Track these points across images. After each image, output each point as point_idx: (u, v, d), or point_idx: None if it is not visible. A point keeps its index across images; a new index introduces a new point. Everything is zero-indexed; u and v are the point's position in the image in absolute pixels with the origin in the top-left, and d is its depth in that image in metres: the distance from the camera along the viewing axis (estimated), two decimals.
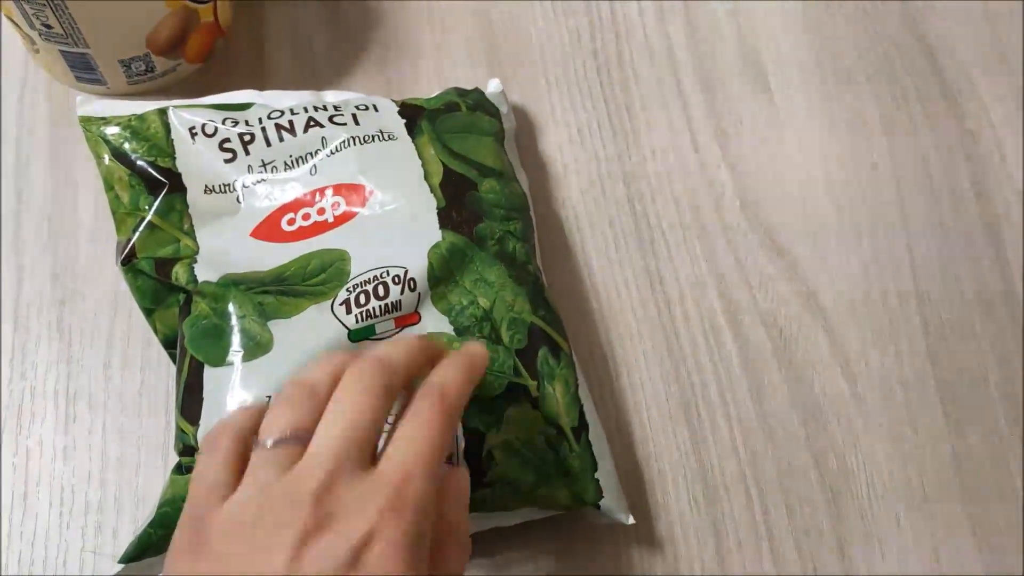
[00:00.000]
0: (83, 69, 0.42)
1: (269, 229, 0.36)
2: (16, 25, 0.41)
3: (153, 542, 0.32)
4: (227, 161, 0.37)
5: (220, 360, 0.33)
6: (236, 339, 0.34)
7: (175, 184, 0.36)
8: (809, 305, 0.42)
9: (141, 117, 0.38)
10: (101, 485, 0.37)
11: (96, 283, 0.40)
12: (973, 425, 0.40)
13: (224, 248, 0.36)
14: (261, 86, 0.45)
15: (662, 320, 0.41)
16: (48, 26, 0.40)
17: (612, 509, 0.35)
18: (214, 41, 0.45)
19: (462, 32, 0.47)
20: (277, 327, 0.34)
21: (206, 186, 0.37)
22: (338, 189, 0.37)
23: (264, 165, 0.37)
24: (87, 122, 0.38)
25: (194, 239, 0.36)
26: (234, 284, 0.34)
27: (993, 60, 0.48)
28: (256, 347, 0.33)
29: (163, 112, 0.38)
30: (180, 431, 0.34)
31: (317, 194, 0.37)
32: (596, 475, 0.35)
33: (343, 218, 0.36)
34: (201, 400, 0.33)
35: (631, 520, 0.36)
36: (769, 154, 0.45)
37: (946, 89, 0.47)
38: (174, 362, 0.35)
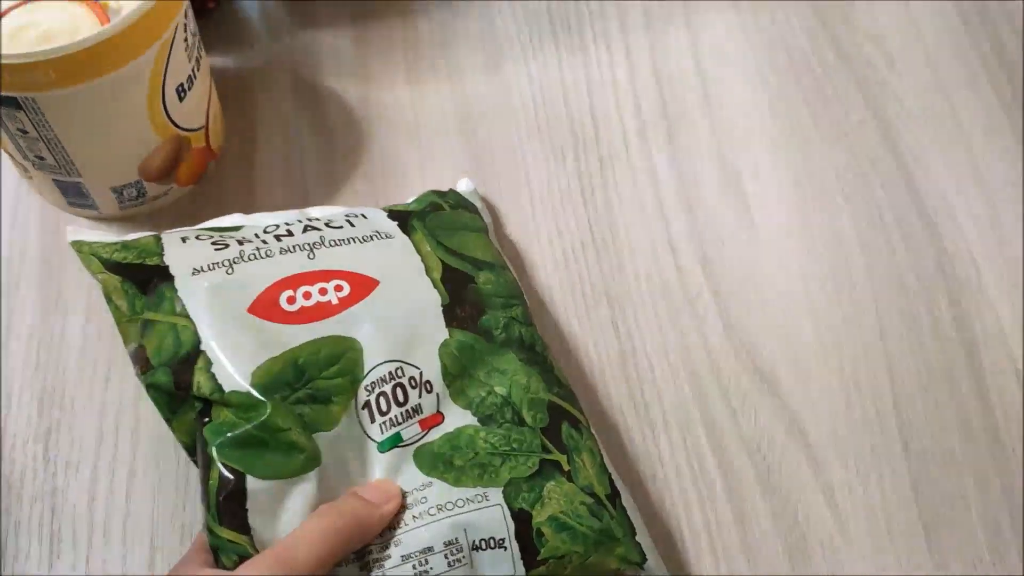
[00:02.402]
0: (75, 195, 0.43)
1: (268, 307, 0.35)
2: (10, 154, 0.42)
3: None
4: (218, 250, 0.36)
5: (269, 473, 0.33)
6: (284, 451, 0.33)
7: (163, 275, 0.35)
8: (792, 431, 0.42)
9: (135, 239, 0.37)
10: None
11: (83, 411, 0.41)
12: (956, 554, 0.40)
13: (223, 332, 0.34)
14: (253, 205, 0.46)
15: (647, 446, 0.42)
16: (41, 157, 0.41)
17: (654, 568, 0.37)
18: (206, 164, 0.46)
19: (448, 151, 0.48)
20: (321, 439, 0.34)
21: (194, 268, 0.35)
22: (340, 274, 0.36)
23: (258, 251, 0.37)
24: (78, 244, 0.37)
25: (189, 319, 0.34)
26: (267, 391, 0.33)
27: (968, 179, 0.49)
28: (307, 461, 0.33)
29: (156, 237, 0.38)
30: (228, 541, 0.32)
31: (318, 276, 0.36)
32: (637, 538, 0.37)
33: (348, 302, 0.36)
34: (246, 510, 0.32)
35: None
36: (750, 276, 0.46)
37: (922, 208, 0.48)
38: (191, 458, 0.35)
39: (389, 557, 0.33)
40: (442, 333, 0.37)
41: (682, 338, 0.44)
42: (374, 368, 0.35)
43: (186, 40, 0.40)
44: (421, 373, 0.35)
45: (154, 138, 0.41)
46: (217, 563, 0.32)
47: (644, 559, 0.36)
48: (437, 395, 0.36)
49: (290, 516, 0.33)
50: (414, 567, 0.33)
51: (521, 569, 0.34)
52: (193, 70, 0.42)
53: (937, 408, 0.43)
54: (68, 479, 0.39)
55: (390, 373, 0.35)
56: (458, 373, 0.36)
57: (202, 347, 0.34)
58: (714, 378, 0.43)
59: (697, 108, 0.50)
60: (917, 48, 0.53)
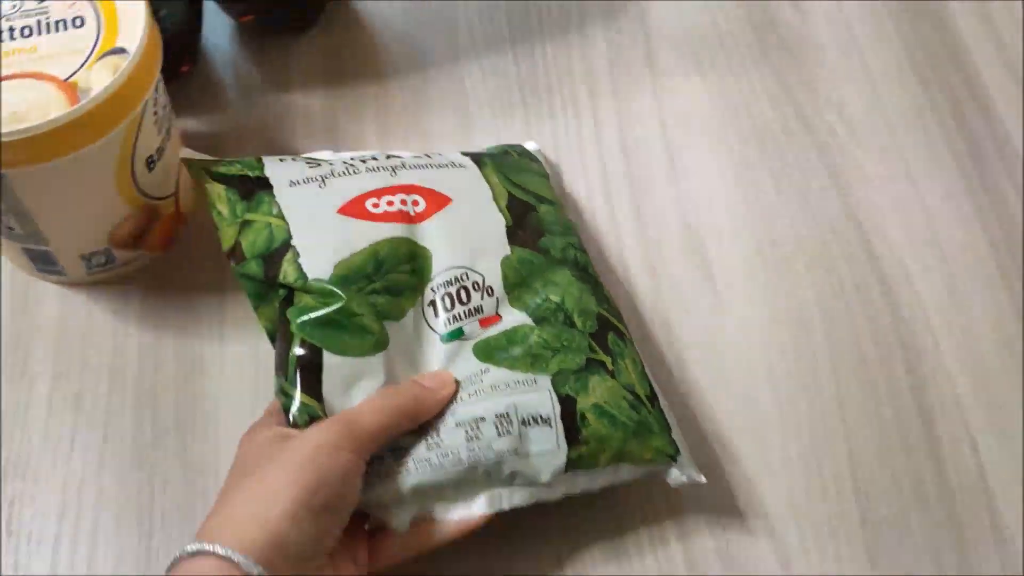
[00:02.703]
0: (43, 262, 0.43)
1: (355, 207, 0.40)
2: None
3: None
4: (311, 168, 0.42)
5: (344, 350, 0.37)
6: (359, 333, 0.38)
7: (263, 185, 0.40)
8: (749, 500, 0.43)
9: (237, 159, 0.42)
10: None
11: (46, 483, 0.41)
12: None
13: (313, 228, 0.39)
14: (223, 269, 0.47)
15: (615, 511, 0.42)
16: (11, 228, 0.41)
17: (686, 464, 0.40)
18: (175, 230, 0.46)
19: None
20: (390, 327, 0.38)
21: (291, 180, 0.41)
22: (417, 189, 0.42)
23: (347, 169, 0.42)
24: (188, 162, 0.42)
25: (284, 219, 0.39)
26: (346, 282, 0.38)
27: (925, 246, 0.50)
28: (376, 343, 0.38)
29: (258, 158, 0.42)
30: (303, 404, 0.37)
31: (399, 189, 0.41)
32: (672, 435, 0.40)
33: (424, 215, 0.41)
34: (320, 381, 0.37)
35: (703, 479, 0.40)
36: (712, 342, 0.47)
37: (881, 275, 0.49)
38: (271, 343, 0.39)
39: (444, 424, 0.37)
40: (505, 250, 0.42)
41: None
42: (442, 271, 0.40)
43: (156, 113, 0.41)
44: (484, 279, 0.40)
45: (124, 208, 0.42)
46: (288, 423, 0.37)
47: (677, 452, 0.40)
48: (497, 299, 0.40)
49: (357, 391, 0.37)
50: (467, 432, 0.37)
51: (564, 445, 0.38)
52: (163, 141, 0.42)
53: (894, 479, 0.44)
54: (30, 552, 0.39)
55: (456, 277, 0.40)
56: (517, 282, 0.41)
57: (292, 242, 0.38)
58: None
59: (662, 174, 0.51)
60: (877, 115, 0.54)
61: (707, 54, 0.56)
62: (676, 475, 0.40)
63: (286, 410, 0.37)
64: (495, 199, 0.43)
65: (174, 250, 0.47)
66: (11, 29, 0.38)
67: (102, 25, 0.38)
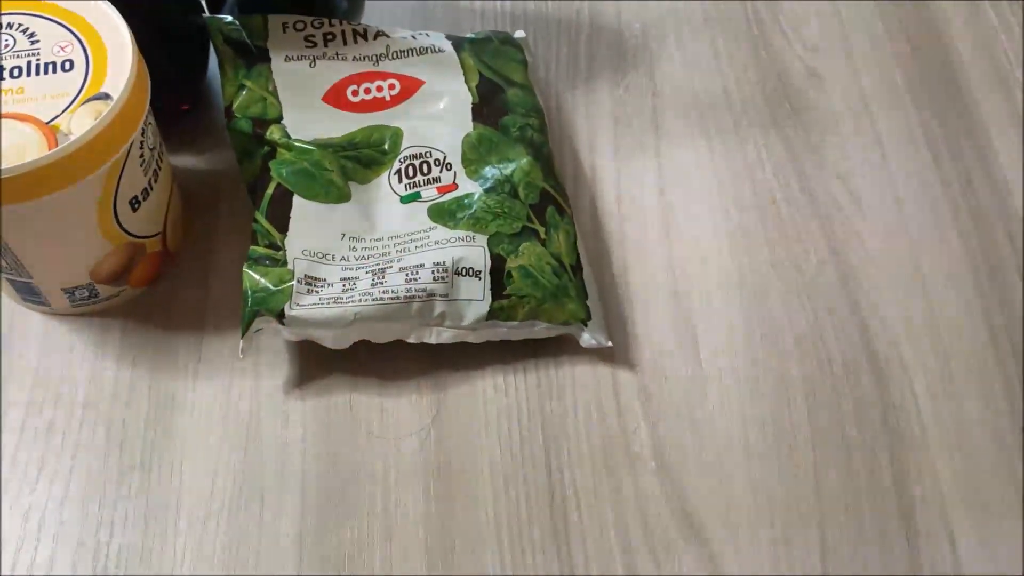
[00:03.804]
0: (27, 293, 0.44)
1: (337, 96, 0.47)
2: None
3: (249, 317, 0.42)
4: (307, 47, 0.48)
5: (311, 195, 0.45)
6: (325, 184, 0.45)
7: (263, 56, 0.47)
8: None
9: (250, 17, 0.48)
10: None
11: (9, 510, 0.41)
12: None
13: (301, 110, 0.47)
14: (206, 309, 0.47)
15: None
16: None
17: (596, 329, 0.45)
18: (161, 267, 0.47)
19: None
20: (354, 187, 0.46)
21: (287, 56, 0.47)
22: (394, 76, 0.48)
23: (336, 54, 0.48)
24: (210, 19, 0.48)
25: (277, 99, 0.47)
26: (323, 146, 0.46)
27: (923, 330, 0.48)
28: (340, 195, 0.45)
29: (265, 17, 0.48)
30: (265, 230, 0.44)
31: (377, 76, 0.48)
32: (587, 302, 0.45)
33: (398, 99, 0.48)
34: (289, 216, 0.44)
35: (610, 343, 0.45)
36: (690, 415, 0.46)
37: (873, 357, 0.48)
38: (251, 201, 0.46)
39: (391, 270, 0.43)
40: (468, 126, 0.48)
41: (612, 475, 0.44)
42: (408, 148, 0.47)
43: (142, 156, 0.41)
44: (445, 156, 0.47)
45: (106, 246, 0.42)
46: (253, 242, 0.44)
47: (589, 318, 0.45)
48: (455, 172, 0.47)
49: (319, 231, 0.44)
50: (407, 275, 0.43)
51: (488, 296, 0.44)
52: (150, 182, 0.43)
53: (865, 571, 0.42)
54: None
55: (420, 153, 0.47)
56: (475, 158, 0.47)
57: (283, 121, 0.46)
58: (641, 520, 0.43)
59: (656, 237, 0.51)
60: (885, 189, 0.53)
61: (714, 117, 0.55)
62: (587, 338, 0.45)
63: (254, 233, 0.44)
64: (466, 81, 0.49)
65: (159, 286, 0.47)
66: (1, 69, 0.39)
67: (90, 69, 0.39)
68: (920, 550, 0.43)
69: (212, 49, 0.51)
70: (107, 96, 0.38)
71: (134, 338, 0.46)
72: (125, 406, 0.44)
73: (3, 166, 0.36)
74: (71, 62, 0.39)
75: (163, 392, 0.45)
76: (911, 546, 0.43)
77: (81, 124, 0.37)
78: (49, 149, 0.37)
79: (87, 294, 0.45)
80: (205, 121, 0.52)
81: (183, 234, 0.48)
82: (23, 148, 0.37)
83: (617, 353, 0.47)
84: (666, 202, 0.52)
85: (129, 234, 0.43)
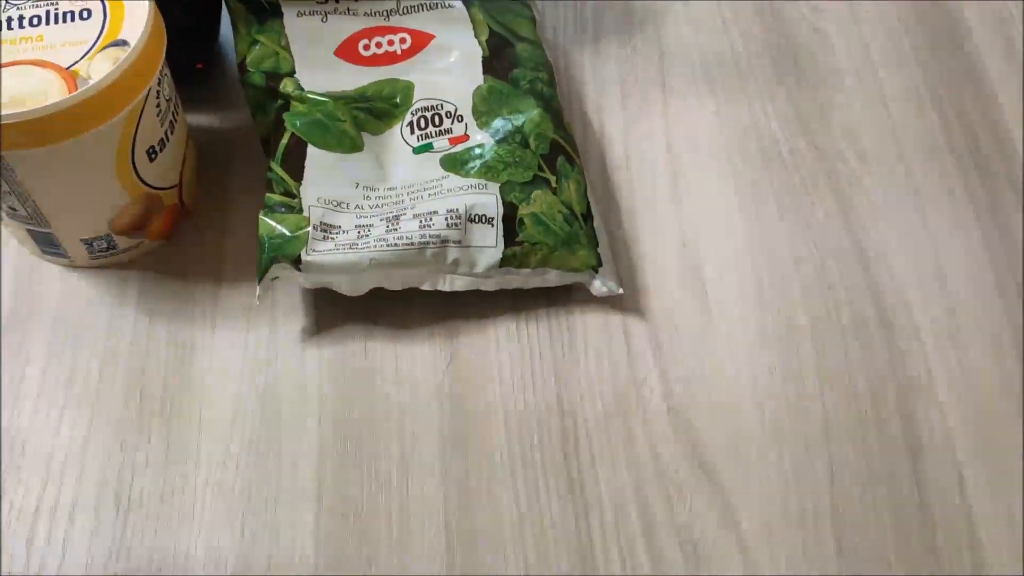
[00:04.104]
0: (47, 245, 0.45)
1: (349, 50, 0.48)
2: None
3: (266, 263, 0.43)
4: (319, 2, 0.48)
5: (325, 145, 0.46)
6: (339, 134, 0.46)
7: (276, 12, 0.48)
8: (725, 520, 0.42)
9: None
10: None
11: (33, 455, 0.42)
12: None
13: (313, 63, 0.47)
14: (223, 263, 0.48)
15: (578, 526, 0.42)
16: (14, 209, 0.42)
17: (607, 276, 0.46)
18: (177, 220, 0.48)
19: None
20: (366, 138, 0.47)
21: (299, 11, 0.48)
22: (405, 30, 0.49)
23: (348, 9, 0.49)
24: None
25: (290, 53, 0.47)
26: (336, 98, 0.47)
27: (930, 279, 0.49)
28: (353, 145, 0.46)
29: None
30: (280, 178, 0.45)
31: (388, 31, 0.49)
32: (598, 250, 0.46)
33: (409, 52, 0.48)
34: (303, 166, 0.45)
35: (620, 290, 0.46)
36: (700, 362, 0.46)
37: (880, 306, 0.48)
38: (265, 154, 0.48)
39: (405, 216, 0.44)
40: (478, 79, 0.48)
41: (625, 420, 0.44)
42: (420, 100, 0.47)
43: (158, 106, 0.42)
44: (456, 108, 0.48)
45: (124, 195, 0.43)
46: (268, 190, 0.45)
47: (600, 264, 0.46)
48: (466, 124, 0.47)
49: (331, 180, 0.45)
50: (421, 222, 0.43)
51: (501, 244, 0.44)
52: (166, 133, 0.43)
53: (875, 510, 0.43)
54: (10, 520, 0.41)
55: (432, 105, 0.47)
56: (485, 110, 0.48)
57: (296, 75, 0.47)
58: (653, 462, 0.43)
59: (664, 192, 0.51)
60: (891, 144, 0.54)
61: (721, 76, 0.56)
62: (598, 285, 0.46)
63: (269, 181, 0.45)
64: (476, 35, 0.49)
65: (176, 239, 0.48)
66: (20, 18, 0.39)
67: (107, 19, 0.40)
68: (928, 489, 0.43)
69: (225, 9, 0.52)
70: (124, 43, 0.39)
71: (152, 289, 0.47)
72: (145, 354, 0.45)
73: (25, 109, 0.37)
74: (88, 11, 0.40)
75: (181, 340, 0.45)
76: (919, 484, 0.43)
77: (100, 70, 0.38)
78: (69, 93, 0.37)
79: (105, 246, 0.45)
80: (219, 82, 0.53)
81: (198, 190, 0.49)
82: (45, 93, 0.37)
83: (627, 302, 0.48)
84: (674, 158, 0.53)
85: (147, 184, 0.44)
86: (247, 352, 0.45)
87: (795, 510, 0.43)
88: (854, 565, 0.42)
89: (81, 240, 0.44)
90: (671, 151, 0.53)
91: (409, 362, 0.46)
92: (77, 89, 0.38)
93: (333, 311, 0.47)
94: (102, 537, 0.41)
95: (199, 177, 0.49)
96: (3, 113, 0.37)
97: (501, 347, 0.46)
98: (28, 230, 0.44)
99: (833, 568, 0.41)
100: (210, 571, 0.40)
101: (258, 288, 0.43)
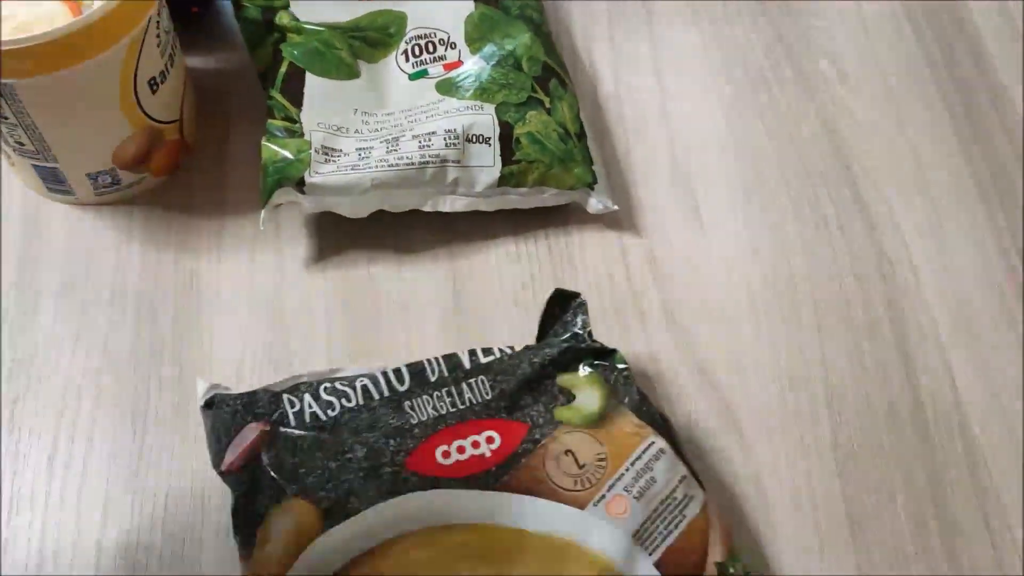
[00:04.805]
0: (53, 181, 0.46)
1: None
2: None
3: (271, 187, 0.44)
4: None
5: (322, 72, 0.47)
6: (336, 61, 0.47)
7: None
8: (725, 421, 0.44)
9: None
10: None
11: (49, 382, 0.43)
12: (879, 545, 0.41)
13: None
14: (224, 198, 0.49)
15: None
16: (20, 143, 0.43)
17: (602, 192, 0.47)
18: (180, 156, 0.49)
19: None
20: (363, 65, 0.48)
21: None
22: None
23: None
24: None
25: None
26: (332, 27, 0.48)
27: (913, 190, 0.51)
28: (350, 72, 0.47)
29: None
30: (280, 105, 0.46)
31: None
32: (593, 167, 0.47)
33: None
34: (303, 93, 0.46)
35: (615, 206, 0.47)
36: (695, 274, 0.48)
37: (867, 216, 0.50)
38: (264, 90, 0.48)
39: (404, 138, 0.45)
40: (469, 6, 0.49)
41: (625, 333, 0.46)
42: (413, 29, 0.49)
43: (158, 36, 0.43)
44: (448, 35, 0.49)
45: (127, 127, 0.44)
46: (270, 116, 0.46)
47: (595, 181, 0.47)
48: (459, 50, 0.48)
49: (330, 105, 0.46)
50: (420, 143, 0.44)
51: (499, 162, 0.45)
52: (166, 65, 0.44)
53: (869, 405, 0.44)
54: (30, 444, 0.41)
55: (425, 34, 0.49)
56: (477, 36, 0.49)
57: (290, 8, 0.48)
58: (655, 371, 0.45)
59: (654, 115, 0.53)
60: (871, 64, 0.55)
61: (704, 4, 0.57)
62: (594, 203, 0.47)
63: (270, 108, 0.46)
64: None
65: (178, 176, 0.49)
66: None
67: None
68: (919, 382, 0.45)
69: None
70: None
71: (157, 223, 0.48)
72: (153, 285, 0.46)
73: (31, 35, 0.38)
74: None
75: (188, 271, 0.46)
76: (910, 379, 0.45)
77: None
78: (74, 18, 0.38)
79: (109, 180, 0.46)
80: (214, 25, 0.54)
81: (198, 129, 0.50)
82: (51, 19, 0.38)
83: (623, 220, 0.49)
84: (662, 83, 0.54)
85: (149, 117, 0.45)
86: (254, 280, 0.46)
87: (791, 408, 0.44)
88: (850, 455, 0.43)
89: (86, 175, 0.45)
90: (659, 77, 0.54)
91: (412, 284, 0.47)
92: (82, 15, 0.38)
93: (337, 238, 0.48)
94: (120, 458, 0.42)
95: (199, 116, 0.50)
96: (10, 39, 0.37)
97: (503, 267, 0.47)
98: (34, 166, 0.45)
99: (830, 459, 0.43)
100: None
101: (263, 213, 0.44)
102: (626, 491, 0.36)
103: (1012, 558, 0.41)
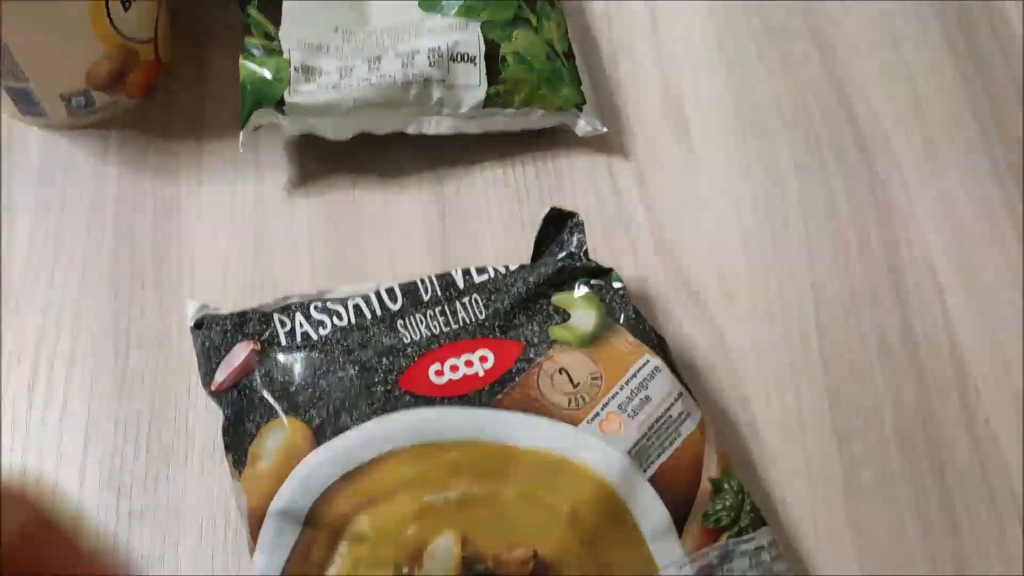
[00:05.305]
0: (26, 103, 0.44)
1: None
2: None
3: (249, 107, 0.42)
4: None
5: None
6: None
7: None
8: (715, 343, 0.43)
9: None
10: None
11: (28, 308, 0.42)
12: (867, 462, 0.41)
13: None
14: (202, 120, 0.47)
15: None
16: None
17: (591, 114, 0.46)
18: (155, 77, 0.47)
19: None
20: None
21: None
22: None
23: None
24: None
25: None
26: None
27: (908, 112, 0.50)
28: None
29: None
30: (258, 22, 0.44)
31: None
32: (581, 88, 0.46)
33: None
34: (281, 11, 0.44)
35: (604, 129, 0.46)
36: (685, 197, 0.47)
37: (860, 138, 0.49)
38: (240, 10, 0.45)
39: (386, 56, 0.43)
40: None
41: (615, 255, 0.45)
42: None
43: None
44: None
45: (99, 45, 0.43)
46: (247, 34, 0.44)
47: (583, 102, 0.46)
48: None
49: (310, 23, 0.44)
50: (403, 61, 0.43)
51: (485, 82, 0.44)
52: None
53: (859, 328, 0.44)
54: (10, 369, 0.41)
55: None
56: None
57: None
58: (644, 294, 0.44)
59: (643, 38, 0.51)
60: None
61: None
62: (582, 124, 0.46)
63: (247, 27, 0.44)
64: None
65: (155, 98, 0.48)
66: None
67: None
68: (911, 308, 0.45)
69: None
70: None
71: (134, 146, 0.46)
72: (131, 210, 0.45)
73: None
74: None
75: (167, 196, 0.45)
76: (901, 304, 0.45)
77: None
78: None
79: (84, 102, 0.45)
80: None
81: (175, 49, 0.48)
82: None
83: (612, 142, 0.48)
84: (652, 3, 0.52)
85: (122, 35, 0.43)
86: (234, 204, 0.45)
87: (782, 332, 0.44)
88: (840, 378, 0.43)
89: (59, 96, 0.44)
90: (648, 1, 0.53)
91: (397, 208, 0.46)
92: None
93: (319, 162, 0.47)
94: (103, 381, 0.41)
95: (175, 36, 0.49)
96: None
97: (490, 191, 0.46)
98: (6, 87, 0.43)
99: (820, 382, 0.43)
100: (212, 409, 0.41)
101: (242, 135, 0.43)
102: (620, 409, 0.36)
103: (1001, 480, 0.41)
